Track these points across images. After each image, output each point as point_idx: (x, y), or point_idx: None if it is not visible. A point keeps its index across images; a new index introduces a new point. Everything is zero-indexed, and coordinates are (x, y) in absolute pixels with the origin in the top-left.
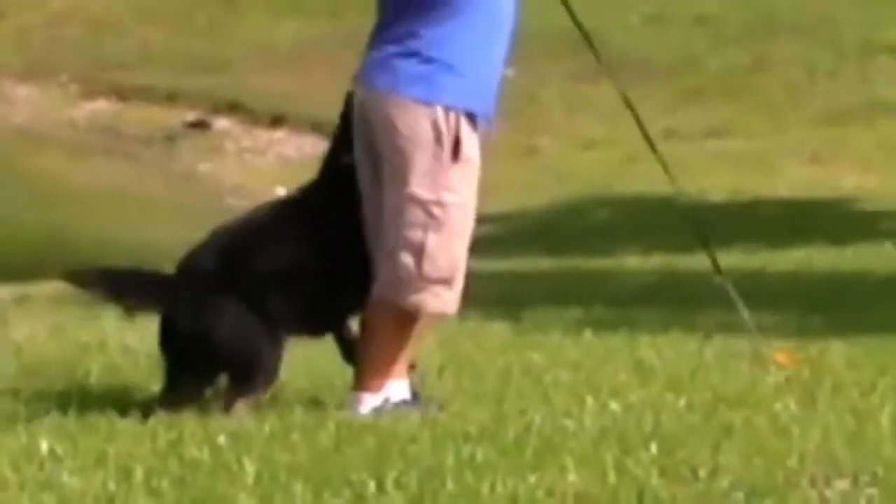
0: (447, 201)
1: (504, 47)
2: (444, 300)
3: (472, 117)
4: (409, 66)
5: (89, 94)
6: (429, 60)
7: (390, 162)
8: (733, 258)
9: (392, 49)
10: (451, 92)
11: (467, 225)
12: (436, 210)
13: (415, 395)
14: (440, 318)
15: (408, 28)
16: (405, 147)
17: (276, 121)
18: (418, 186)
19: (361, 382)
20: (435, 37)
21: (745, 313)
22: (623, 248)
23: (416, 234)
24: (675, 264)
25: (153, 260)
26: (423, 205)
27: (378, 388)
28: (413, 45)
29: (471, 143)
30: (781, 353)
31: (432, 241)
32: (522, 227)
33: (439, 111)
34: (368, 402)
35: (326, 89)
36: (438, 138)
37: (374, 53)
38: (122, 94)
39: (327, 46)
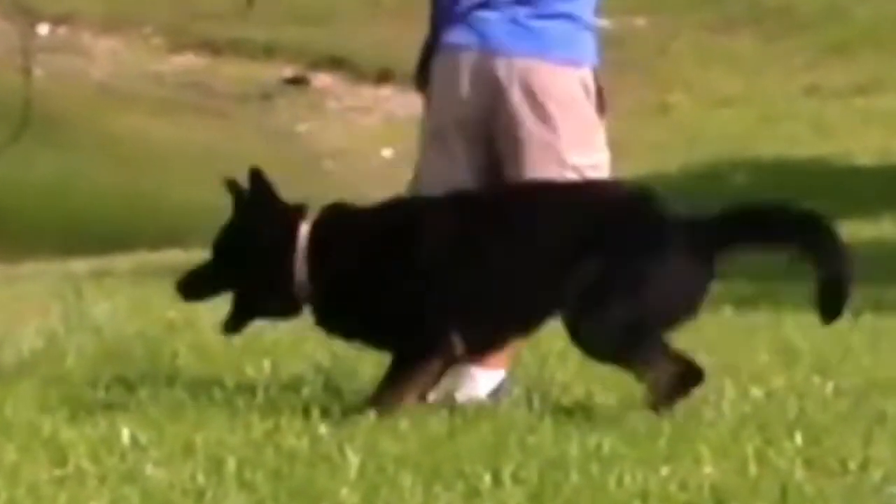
0: (601, 162)
1: None
2: None
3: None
4: (554, 29)
5: (177, 47)
6: (570, 19)
7: (533, 133)
8: (883, 227)
9: (522, 11)
10: (592, 50)
11: None
12: (592, 175)
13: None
14: None
15: None
16: (560, 113)
17: (382, 77)
18: (575, 153)
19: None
20: None
21: None
22: None
23: None
24: None
25: None
26: (579, 171)
27: (498, 365)
28: (550, 6)
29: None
30: None
31: None
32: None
33: (587, 71)
34: (485, 381)
35: None
36: (588, 99)
37: (491, 13)
38: (213, 47)
39: None
